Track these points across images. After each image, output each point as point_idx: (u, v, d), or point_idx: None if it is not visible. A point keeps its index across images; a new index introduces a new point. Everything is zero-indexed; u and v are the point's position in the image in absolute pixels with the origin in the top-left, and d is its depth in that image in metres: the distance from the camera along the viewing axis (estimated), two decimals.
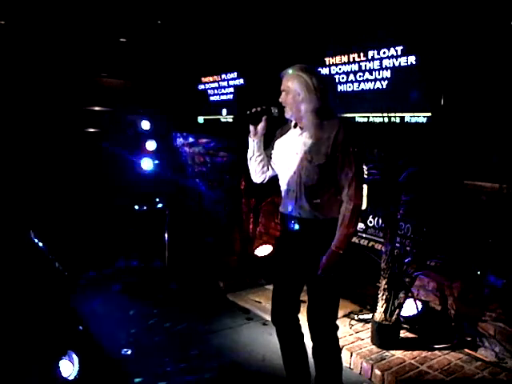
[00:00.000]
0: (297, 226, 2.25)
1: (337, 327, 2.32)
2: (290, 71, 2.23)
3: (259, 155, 2.38)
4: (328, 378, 2.34)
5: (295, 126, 2.30)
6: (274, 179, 2.45)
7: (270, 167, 2.42)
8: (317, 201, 2.19)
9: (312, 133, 2.20)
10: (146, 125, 5.34)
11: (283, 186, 2.33)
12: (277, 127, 2.43)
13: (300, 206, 2.22)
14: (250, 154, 2.41)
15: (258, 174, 2.44)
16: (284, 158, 2.31)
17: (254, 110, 2.30)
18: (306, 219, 2.21)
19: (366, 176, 3.50)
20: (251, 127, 2.33)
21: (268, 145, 2.43)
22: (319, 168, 2.16)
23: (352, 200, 2.14)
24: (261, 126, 2.32)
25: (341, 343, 3.08)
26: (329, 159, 2.15)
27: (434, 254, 3.12)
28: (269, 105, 2.33)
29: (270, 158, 2.42)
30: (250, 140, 2.37)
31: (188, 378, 2.81)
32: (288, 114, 2.26)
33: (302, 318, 2.39)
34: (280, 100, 2.27)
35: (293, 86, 2.19)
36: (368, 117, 3.61)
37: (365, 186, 3.60)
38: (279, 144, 2.38)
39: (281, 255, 2.41)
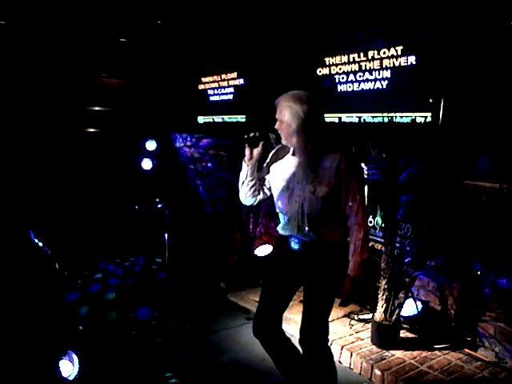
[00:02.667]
0: (298, 246, 2.25)
1: (327, 340, 2.32)
2: (282, 101, 2.17)
3: (251, 180, 2.33)
4: None
5: (293, 154, 2.26)
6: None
7: (261, 191, 2.39)
8: (320, 228, 2.19)
9: (311, 165, 2.17)
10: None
11: (283, 213, 2.30)
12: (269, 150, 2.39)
13: (303, 233, 2.22)
14: (242, 178, 2.36)
15: (248, 198, 2.39)
16: (283, 186, 2.26)
17: (252, 134, 2.27)
18: (309, 242, 2.22)
19: (365, 176, 3.50)
20: (247, 151, 2.30)
21: (260, 167, 2.39)
22: (322, 199, 2.14)
23: (362, 228, 2.15)
24: (257, 151, 2.29)
25: (341, 343, 3.10)
26: (332, 190, 2.13)
27: (433, 254, 3.12)
28: (267, 131, 2.30)
29: (263, 181, 2.38)
30: (244, 165, 2.33)
31: (188, 377, 2.81)
32: (284, 142, 2.23)
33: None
34: (276, 127, 2.21)
35: (285, 117, 2.13)
36: (368, 117, 3.61)
37: (365, 186, 3.60)
38: (276, 170, 2.32)
39: (276, 270, 2.37)
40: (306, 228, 2.19)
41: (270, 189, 2.38)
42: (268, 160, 2.37)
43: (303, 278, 2.27)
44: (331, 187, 2.13)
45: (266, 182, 2.38)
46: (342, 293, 2.19)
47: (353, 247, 2.17)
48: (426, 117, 3.18)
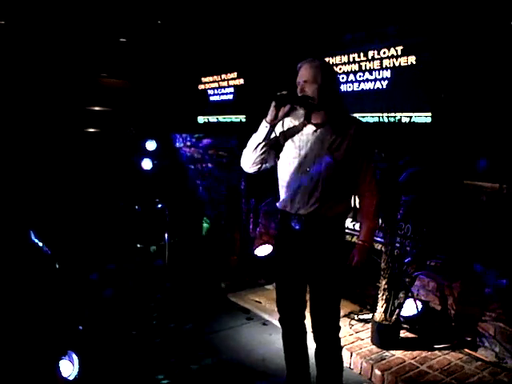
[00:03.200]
0: (299, 226, 2.18)
1: (339, 328, 2.29)
2: (306, 63, 2.15)
3: (266, 144, 2.19)
4: (330, 378, 2.33)
5: (308, 120, 2.18)
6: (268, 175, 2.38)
7: (268, 159, 2.26)
8: (326, 201, 2.14)
9: (331, 129, 2.13)
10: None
11: (290, 184, 2.20)
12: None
13: (310, 202, 2.14)
14: (258, 141, 2.19)
15: (254, 164, 2.25)
16: (295, 153, 2.18)
17: (284, 92, 2.12)
18: (312, 217, 2.15)
19: None
20: (272, 111, 2.13)
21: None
22: (336, 166, 2.11)
23: (375, 195, 2.18)
24: (282, 112, 2.13)
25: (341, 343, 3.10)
26: (347, 155, 2.11)
27: (433, 254, 3.12)
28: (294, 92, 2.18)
29: (274, 147, 2.25)
30: (264, 125, 2.16)
31: (188, 377, 2.81)
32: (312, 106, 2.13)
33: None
34: (298, 91, 2.15)
35: (310, 75, 2.11)
36: (368, 117, 3.61)
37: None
38: (288, 136, 2.22)
39: (283, 255, 2.31)
40: (314, 199, 2.12)
41: (275, 158, 2.29)
42: (279, 127, 2.25)
43: (310, 258, 2.20)
44: (346, 152, 2.11)
45: (282, 151, 2.26)
46: (350, 262, 2.19)
47: (366, 213, 2.20)
48: (426, 117, 3.18)
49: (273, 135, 2.22)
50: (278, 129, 2.24)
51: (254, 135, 2.21)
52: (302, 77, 2.14)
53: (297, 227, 2.19)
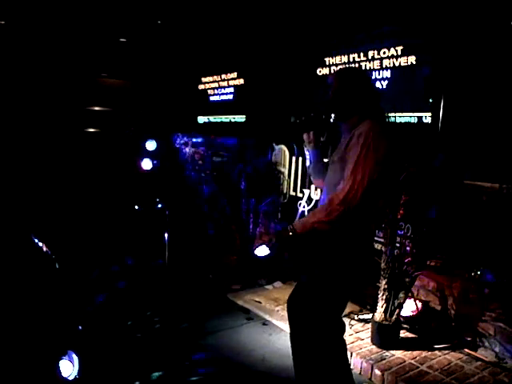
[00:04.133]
0: None
1: (322, 331, 2.11)
2: (342, 70, 2.20)
3: (316, 164, 2.28)
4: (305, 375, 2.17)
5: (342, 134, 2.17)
6: None
7: None
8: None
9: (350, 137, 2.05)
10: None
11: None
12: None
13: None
14: (307, 163, 2.36)
15: (319, 180, 2.34)
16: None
17: (303, 117, 2.19)
18: None
19: None
20: (305, 135, 2.25)
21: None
22: (338, 164, 2.05)
23: (339, 195, 1.93)
24: (312, 135, 2.22)
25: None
26: (342, 158, 2.03)
27: (434, 254, 3.11)
28: (323, 113, 2.22)
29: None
30: (305, 149, 2.33)
31: (188, 377, 2.81)
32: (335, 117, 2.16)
33: None
34: (329, 103, 2.18)
35: (336, 83, 2.16)
36: None
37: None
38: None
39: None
40: (325, 198, 2.09)
41: None
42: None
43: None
44: (343, 155, 2.02)
45: None
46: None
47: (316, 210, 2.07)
48: (426, 117, 3.18)
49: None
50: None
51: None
52: (332, 84, 2.19)
53: None
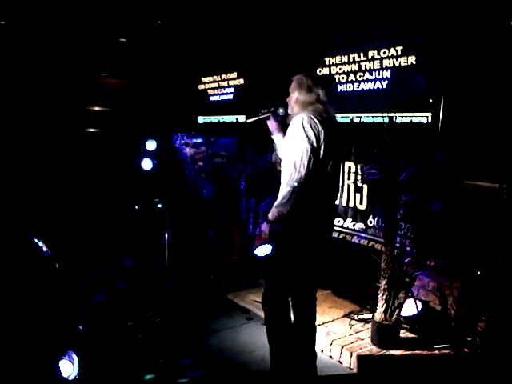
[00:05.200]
0: None
1: (275, 304, 2.56)
2: (295, 76, 2.64)
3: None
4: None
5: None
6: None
7: None
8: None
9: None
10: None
11: None
12: None
13: None
14: (276, 152, 2.79)
15: None
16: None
17: (253, 119, 2.75)
18: None
19: (365, 176, 3.51)
20: (268, 123, 2.73)
21: None
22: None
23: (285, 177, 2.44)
24: (270, 125, 2.72)
25: (341, 343, 3.10)
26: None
27: (433, 254, 3.11)
28: (277, 106, 2.70)
29: None
30: (272, 137, 2.75)
31: (188, 377, 2.81)
32: (289, 111, 2.63)
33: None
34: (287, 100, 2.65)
35: (290, 88, 2.61)
36: (368, 117, 3.61)
37: (365, 186, 3.60)
38: None
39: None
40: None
41: None
42: None
43: None
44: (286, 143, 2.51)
45: None
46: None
47: None
48: (426, 117, 3.18)
49: None
50: None
51: None
52: (290, 88, 2.64)
53: None
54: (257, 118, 2.75)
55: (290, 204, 2.39)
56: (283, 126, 2.66)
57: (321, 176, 2.43)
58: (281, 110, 2.68)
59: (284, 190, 2.41)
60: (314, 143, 2.37)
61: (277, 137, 2.73)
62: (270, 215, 2.49)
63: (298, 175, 2.35)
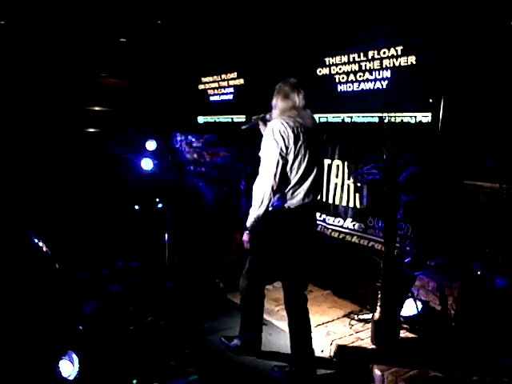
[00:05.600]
0: None
1: (251, 290, 2.96)
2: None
3: None
4: None
5: None
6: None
7: None
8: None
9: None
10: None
11: None
12: None
13: None
14: None
15: None
16: None
17: (246, 126, 3.00)
18: None
19: (365, 176, 3.50)
20: (261, 125, 2.92)
21: None
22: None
23: (255, 185, 2.64)
24: (262, 129, 2.89)
25: (341, 343, 3.10)
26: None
27: (433, 254, 3.11)
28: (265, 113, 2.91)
29: None
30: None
31: (189, 377, 2.81)
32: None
33: None
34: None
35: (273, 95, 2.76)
36: (368, 117, 3.62)
37: (365, 186, 3.60)
38: None
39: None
40: None
41: None
42: None
43: None
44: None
45: None
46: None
47: None
48: (426, 117, 3.18)
49: None
50: None
51: None
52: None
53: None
54: (249, 125, 3.01)
55: (264, 207, 2.59)
56: None
57: (295, 176, 2.62)
58: (267, 116, 2.88)
59: (257, 193, 2.60)
60: (283, 148, 2.54)
61: None
62: (247, 223, 2.68)
63: (268, 179, 2.56)
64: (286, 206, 2.64)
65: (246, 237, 2.76)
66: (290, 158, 2.57)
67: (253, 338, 3.03)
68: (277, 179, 2.55)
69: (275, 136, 2.55)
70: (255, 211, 2.61)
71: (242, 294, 3.03)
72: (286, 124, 2.56)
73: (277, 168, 2.55)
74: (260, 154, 2.63)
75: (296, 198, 2.64)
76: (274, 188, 2.57)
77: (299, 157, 2.59)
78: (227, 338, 3.16)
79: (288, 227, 2.67)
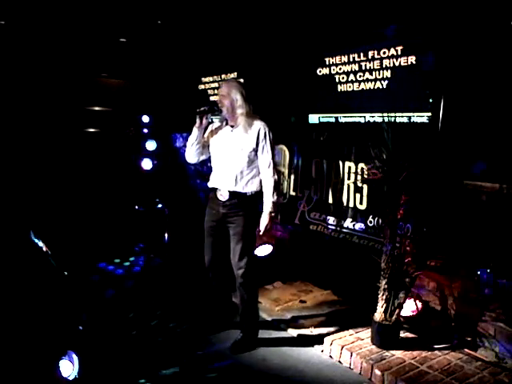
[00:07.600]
0: (227, 197, 3.01)
1: (249, 260, 3.11)
2: (229, 82, 3.14)
3: (198, 142, 3.13)
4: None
5: (227, 124, 3.06)
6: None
7: (203, 153, 3.18)
8: (244, 178, 2.98)
9: (243, 130, 2.97)
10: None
11: (217, 168, 3.10)
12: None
13: (233, 182, 2.98)
14: (191, 141, 3.14)
15: (193, 157, 3.20)
16: (219, 148, 3.08)
17: (202, 108, 3.04)
18: (235, 192, 2.99)
19: (365, 176, 3.50)
20: (198, 120, 3.05)
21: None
22: (247, 155, 2.97)
23: (272, 177, 2.99)
24: (205, 121, 3.07)
25: (341, 343, 3.10)
26: (254, 148, 2.98)
27: (434, 254, 3.11)
28: (212, 105, 3.09)
29: (206, 144, 3.15)
30: (195, 130, 3.09)
31: (189, 378, 2.81)
32: (224, 113, 3.00)
33: None
34: (218, 102, 3.03)
35: (232, 93, 2.96)
36: (368, 117, 3.61)
37: (365, 186, 3.61)
38: (214, 136, 3.13)
39: (209, 219, 3.17)
40: (235, 177, 2.97)
41: (209, 151, 3.17)
42: (209, 130, 3.16)
43: (227, 222, 3.05)
44: (254, 146, 2.97)
45: (207, 145, 3.16)
46: (264, 225, 3.02)
47: (267, 191, 2.99)
48: (425, 117, 3.18)
49: (205, 136, 3.15)
50: (207, 132, 3.16)
51: (190, 136, 3.15)
52: (226, 92, 2.99)
53: (221, 199, 3.04)
54: (204, 109, 3.07)
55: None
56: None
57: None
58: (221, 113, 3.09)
59: (276, 182, 3.03)
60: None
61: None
62: (272, 209, 3.00)
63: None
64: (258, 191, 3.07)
65: (271, 218, 3.07)
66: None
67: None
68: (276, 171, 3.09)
69: (272, 135, 3.02)
70: (276, 199, 3.02)
71: (251, 291, 3.19)
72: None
73: (275, 161, 3.07)
74: (271, 155, 3.01)
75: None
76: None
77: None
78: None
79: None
